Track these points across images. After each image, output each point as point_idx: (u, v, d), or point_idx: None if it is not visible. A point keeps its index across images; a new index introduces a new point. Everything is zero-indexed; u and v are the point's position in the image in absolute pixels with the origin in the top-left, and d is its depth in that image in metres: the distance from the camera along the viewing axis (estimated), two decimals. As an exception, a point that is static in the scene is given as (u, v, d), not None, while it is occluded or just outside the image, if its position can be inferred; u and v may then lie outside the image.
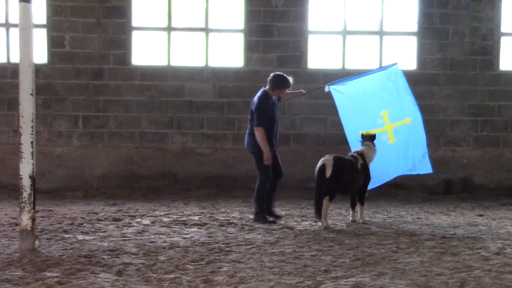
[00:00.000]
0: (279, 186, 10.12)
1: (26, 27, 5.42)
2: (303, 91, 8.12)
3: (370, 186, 7.71)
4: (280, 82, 7.46)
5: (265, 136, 7.32)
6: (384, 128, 7.78)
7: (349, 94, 7.80)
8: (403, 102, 7.84)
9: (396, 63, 8.04)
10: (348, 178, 7.19)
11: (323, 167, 7.07)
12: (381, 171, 7.72)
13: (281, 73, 7.60)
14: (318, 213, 7.09)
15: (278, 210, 8.56)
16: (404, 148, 7.84)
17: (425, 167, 7.90)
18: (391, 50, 10.59)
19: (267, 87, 7.50)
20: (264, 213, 7.55)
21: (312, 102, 10.35)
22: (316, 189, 7.15)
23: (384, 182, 8.01)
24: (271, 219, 7.51)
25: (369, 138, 7.60)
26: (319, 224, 7.15)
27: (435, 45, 10.48)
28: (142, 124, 10.40)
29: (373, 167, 7.56)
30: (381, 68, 8.06)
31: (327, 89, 7.89)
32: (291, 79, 7.51)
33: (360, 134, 7.67)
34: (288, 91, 7.79)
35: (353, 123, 7.83)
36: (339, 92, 7.83)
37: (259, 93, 7.52)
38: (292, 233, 6.74)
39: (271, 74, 7.55)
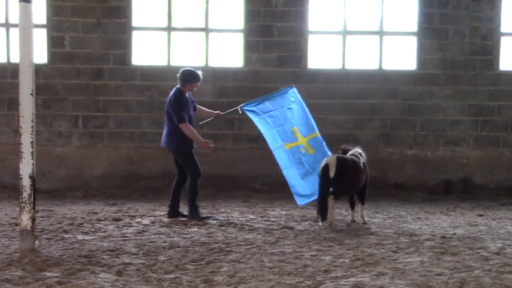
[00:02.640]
0: (278, 186, 10.19)
1: (26, 27, 5.42)
2: (221, 112, 8.17)
3: (306, 200, 7.85)
4: (188, 77, 7.54)
5: (191, 128, 7.40)
6: (299, 142, 7.95)
7: (263, 112, 7.97)
8: (306, 118, 8.09)
9: (293, 87, 8.23)
10: (352, 177, 7.20)
11: (326, 167, 7.06)
12: (314, 183, 7.70)
13: (189, 68, 7.70)
14: (322, 214, 7.06)
15: (278, 210, 8.57)
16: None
17: None
18: (391, 50, 10.59)
19: (178, 84, 7.56)
20: (198, 211, 7.60)
21: (312, 102, 10.28)
22: (319, 189, 7.15)
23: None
24: (204, 215, 7.61)
25: None
26: (319, 224, 7.15)
27: (435, 45, 10.48)
28: (142, 124, 10.40)
29: (308, 179, 7.75)
30: (281, 91, 8.23)
31: (240, 110, 7.98)
32: (200, 73, 7.59)
33: None
34: (204, 110, 8.07)
35: (276, 142, 7.92)
36: (252, 111, 7.97)
37: (172, 92, 7.59)
38: (292, 233, 6.74)
39: (180, 71, 7.65)
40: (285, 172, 7.82)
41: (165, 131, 7.67)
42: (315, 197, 7.62)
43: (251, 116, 7.96)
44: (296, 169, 7.81)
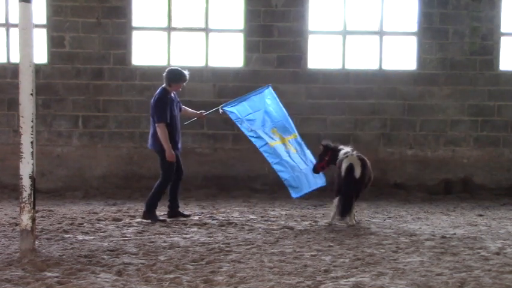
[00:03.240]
0: (278, 186, 10.20)
1: (26, 27, 5.42)
2: (204, 112, 8.12)
3: (300, 193, 7.92)
4: (175, 76, 7.47)
5: (166, 132, 7.29)
6: (281, 141, 7.96)
7: (241, 113, 7.99)
8: (284, 119, 8.09)
9: (269, 86, 8.21)
10: (368, 176, 7.30)
11: (351, 167, 7.03)
12: (301, 180, 7.82)
13: (175, 67, 7.65)
14: (346, 214, 7.08)
15: (278, 210, 8.57)
16: (307, 160, 8.02)
17: (321, 179, 8.03)
18: (391, 50, 10.59)
19: (164, 84, 7.50)
20: (155, 212, 7.52)
21: (312, 102, 10.35)
22: (345, 189, 7.06)
23: (306, 192, 8.00)
24: (161, 218, 7.51)
25: None
26: (348, 222, 7.18)
27: (435, 45, 10.48)
28: (142, 124, 10.39)
29: (296, 174, 7.82)
30: (257, 91, 8.20)
31: (220, 110, 7.98)
32: (186, 73, 7.54)
33: None
34: (188, 110, 7.98)
35: (261, 140, 7.93)
36: (232, 112, 7.98)
37: (157, 91, 7.53)
38: (292, 233, 6.74)
39: (166, 70, 7.59)
40: (275, 167, 7.87)
41: (150, 132, 7.63)
42: (307, 191, 7.81)
43: (232, 117, 7.97)
44: (286, 163, 7.85)
